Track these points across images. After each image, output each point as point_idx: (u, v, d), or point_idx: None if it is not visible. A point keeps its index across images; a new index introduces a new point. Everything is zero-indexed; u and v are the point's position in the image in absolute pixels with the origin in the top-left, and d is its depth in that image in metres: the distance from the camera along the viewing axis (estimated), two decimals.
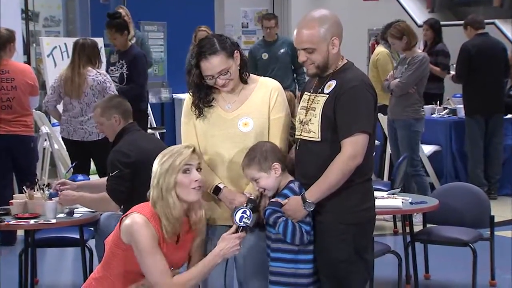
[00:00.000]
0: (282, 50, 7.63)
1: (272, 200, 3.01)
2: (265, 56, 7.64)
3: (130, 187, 3.83)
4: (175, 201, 2.80)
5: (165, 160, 2.82)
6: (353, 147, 2.90)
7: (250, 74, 3.17)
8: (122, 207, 4.13)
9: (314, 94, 3.04)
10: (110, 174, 3.88)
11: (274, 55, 7.65)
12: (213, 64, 3.03)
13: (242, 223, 2.84)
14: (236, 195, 3.07)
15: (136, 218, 2.78)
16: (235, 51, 3.09)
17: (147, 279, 2.80)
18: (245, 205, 2.91)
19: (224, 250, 2.81)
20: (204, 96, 3.11)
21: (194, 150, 2.87)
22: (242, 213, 2.84)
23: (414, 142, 6.18)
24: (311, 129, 3.00)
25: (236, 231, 2.85)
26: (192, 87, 3.11)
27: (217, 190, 3.07)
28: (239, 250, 2.84)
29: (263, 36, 7.90)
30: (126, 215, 2.83)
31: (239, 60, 3.10)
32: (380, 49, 7.14)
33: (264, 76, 3.27)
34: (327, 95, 2.98)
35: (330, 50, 2.99)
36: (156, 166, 2.83)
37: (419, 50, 6.32)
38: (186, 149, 2.85)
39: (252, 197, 2.97)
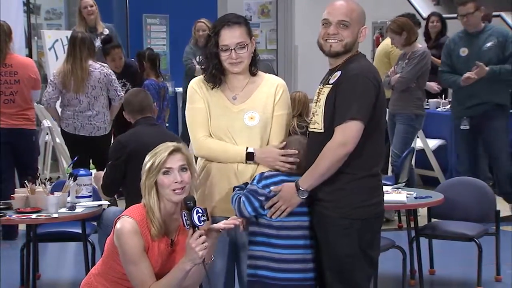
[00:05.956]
0: (488, 44, 5.87)
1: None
2: (464, 52, 5.95)
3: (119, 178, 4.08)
4: (155, 201, 2.79)
5: (148, 159, 2.83)
6: (342, 134, 2.86)
7: (258, 71, 3.15)
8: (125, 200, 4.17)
9: (322, 86, 3.02)
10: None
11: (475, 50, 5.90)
12: (234, 34, 3.02)
13: (187, 227, 2.75)
14: (270, 151, 3.02)
15: (125, 223, 2.76)
16: (253, 37, 3.10)
17: (130, 283, 2.80)
18: (190, 206, 2.78)
19: (188, 257, 2.74)
20: (218, 65, 3.06)
21: (176, 151, 2.82)
22: (184, 217, 2.76)
23: (409, 137, 6.15)
24: (316, 120, 2.98)
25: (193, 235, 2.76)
26: (208, 55, 3.07)
27: (250, 155, 3.02)
28: (201, 252, 2.73)
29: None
30: (119, 217, 2.81)
31: (253, 48, 3.09)
32: None
33: None
34: (331, 85, 2.95)
35: (358, 37, 2.97)
36: (144, 164, 2.84)
37: (419, 45, 6.27)
38: (164, 152, 2.82)
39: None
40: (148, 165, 2.81)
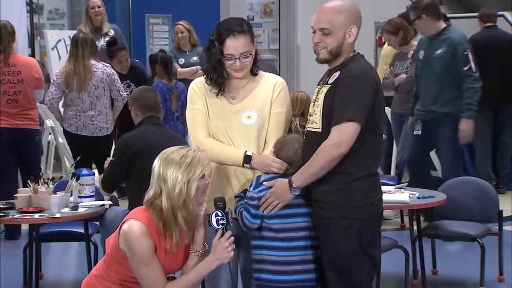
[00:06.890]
0: (438, 51, 5.60)
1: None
2: (421, 55, 5.73)
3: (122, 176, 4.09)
4: (194, 207, 2.79)
5: (185, 168, 2.75)
6: (338, 135, 2.87)
7: (259, 70, 3.17)
8: (128, 202, 4.17)
9: (321, 86, 3.03)
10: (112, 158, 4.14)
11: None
12: (239, 44, 3.04)
13: (220, 226, 2.82)
14: (268, 158, 3.03)
15: (133, 226, 2.75)
16: (255, 40, 3.13)
17: (141, 285, 2.79)
18: (221, 207, 2.87)
19: (217, 256, 2.79)
20: (223, 72, 3.08)
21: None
22: (215, 216, 2.82)
23: None
24: (314, 120, 3.00)
25: (222, 235, 2.82)
26: (213, 62, 3.08)
27: (247, 158, 3.05)
28: (232, 252, 2.79)
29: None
30: (124, 221, 2.80)
31: (255, 50, 3.12)
32: None
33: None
34: (330, 85, 2.97)
35: (346, 38, 2.97)
36: (173, 173, 2.75)
37: (415, 43, 6.25)
38: (202, 153, 2.81)
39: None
40: (189, 173, 2.74)
